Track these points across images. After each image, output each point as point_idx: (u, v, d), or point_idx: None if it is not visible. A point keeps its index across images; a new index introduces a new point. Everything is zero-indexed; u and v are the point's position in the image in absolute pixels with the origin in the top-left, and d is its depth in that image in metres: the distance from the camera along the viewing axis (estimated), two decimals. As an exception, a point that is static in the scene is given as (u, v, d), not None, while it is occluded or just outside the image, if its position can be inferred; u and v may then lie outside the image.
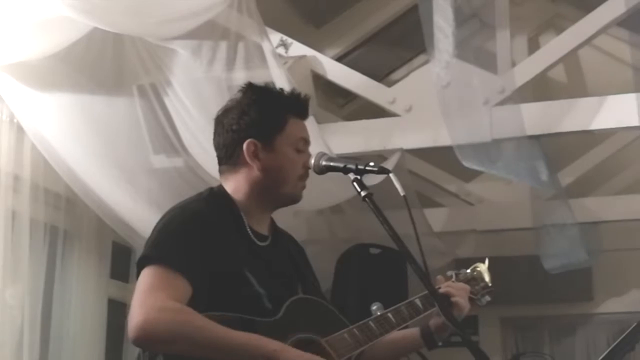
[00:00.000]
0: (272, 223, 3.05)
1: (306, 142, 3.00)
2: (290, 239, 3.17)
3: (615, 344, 4.97)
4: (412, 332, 3.14)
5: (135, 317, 2.54)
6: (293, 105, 3.00)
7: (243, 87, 3.01)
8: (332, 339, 2.81)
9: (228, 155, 2.95)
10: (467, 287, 3.28)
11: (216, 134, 2.99)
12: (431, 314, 3.11)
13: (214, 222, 2.81)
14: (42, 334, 4.72)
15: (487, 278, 3.42)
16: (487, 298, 3.41)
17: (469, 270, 3.43)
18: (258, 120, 2.91)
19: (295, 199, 3.00)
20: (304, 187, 2.99)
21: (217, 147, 2.99)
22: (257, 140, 2.90)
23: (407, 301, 3.10)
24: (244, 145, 2.90)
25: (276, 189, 2.95)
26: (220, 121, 2.98)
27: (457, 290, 3.20)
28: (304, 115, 3.04)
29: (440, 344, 3.14)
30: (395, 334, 3.06)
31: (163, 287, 2.60)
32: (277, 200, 3.00)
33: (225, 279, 2.73)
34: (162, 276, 2.62)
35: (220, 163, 3.00)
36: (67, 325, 5.01)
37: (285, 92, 3.03)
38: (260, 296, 2.78)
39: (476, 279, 3.41)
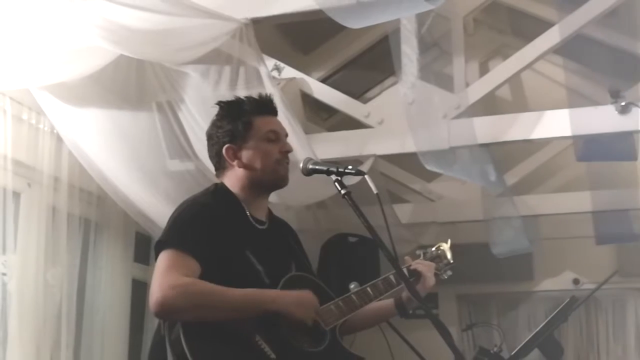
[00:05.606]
0: (269, 211, 3.06)
1: (275, 132, 2.98)
2: (285, 224, 3.18)
3: (551, 316, 5.04)
4: (387, 302, 3.16)
5: (155, 294, 2.57)
6: (256, 107, 3.00)
7: (218, 103, 3.05)
8: (321, 310, 2.83)
9: (218, 162, 3.00)
10: (433, 264, 3.28)
11: (207, 146, 3.04)
12: (402, 288, 3.12)
13: (219, 211, 2.83)
14: (77, 308, 4.74)
15: (449, 255, 3.41)
16: (449, 272, 3.40)
17: (433, 249, 3.43)
18: (229, 129, 2.95)
19: (279, 180, 2.99)
20: (286, 169, 2.98)
21: (210, 157, 3.04)
22: (232, 144, 2.94)
23: (382, 277, 3.10)
24: (224, 151, 2.94)
25: (260, 176, 2.95)
26: (208, 135, 3.03)
27: (425, 266, 3.22)
28: (269, 111, 3.03)
29: (410, 312, 3.16)
30: (374, 305, 3.07)
31: (177, 267, 2.61)
32: (265, 186, 3.00)
33: (230, 258, 2.74)
34: (176, 258, 2.64)
35: (215, 169, 3.04)
36: (98, 301, 5.03)
37: (249, 98, 3.03)
38: (259, 273, 2.80)
39: (440, 256, 3.40)
